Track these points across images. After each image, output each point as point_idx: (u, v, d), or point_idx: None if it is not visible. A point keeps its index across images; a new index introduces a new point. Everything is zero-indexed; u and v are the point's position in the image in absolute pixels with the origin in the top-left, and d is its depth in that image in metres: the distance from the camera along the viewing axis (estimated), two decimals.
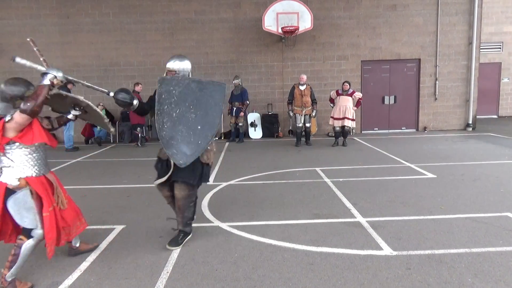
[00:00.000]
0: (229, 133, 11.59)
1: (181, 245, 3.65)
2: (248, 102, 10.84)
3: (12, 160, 2.88)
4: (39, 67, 3.18)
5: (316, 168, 7.00)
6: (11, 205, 2.88)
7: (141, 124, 10.63)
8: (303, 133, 9.88)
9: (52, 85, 2.96)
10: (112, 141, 11.40)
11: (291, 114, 9.89)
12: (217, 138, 11.80)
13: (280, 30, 10.96)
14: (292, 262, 3.30)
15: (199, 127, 3.40)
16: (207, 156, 3.64)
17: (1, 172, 2.90)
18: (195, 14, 11.74)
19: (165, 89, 3.39)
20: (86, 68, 11.76)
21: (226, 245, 3.69)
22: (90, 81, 11.73)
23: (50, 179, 3.12)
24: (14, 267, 2.89)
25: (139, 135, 10.51)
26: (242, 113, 10.74)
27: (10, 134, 2.81)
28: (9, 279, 2.89)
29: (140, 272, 3.17)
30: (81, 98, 3.38)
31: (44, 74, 2.99)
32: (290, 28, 10.82)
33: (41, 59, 3.31)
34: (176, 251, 3.54)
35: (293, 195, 5.33)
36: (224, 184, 6.04)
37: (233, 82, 10.85)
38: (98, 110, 3.46)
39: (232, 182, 6.17)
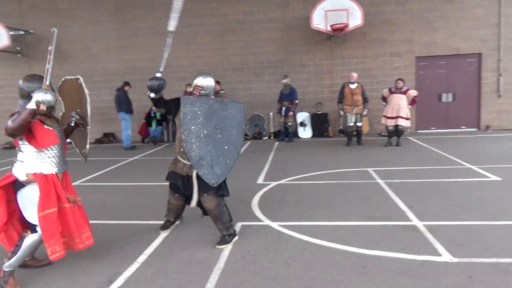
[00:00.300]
0: (278, 133, 11.61)
1: (230, 244, 3.72)
2: (297, 101, 10.78)
3: (23, 156, 2.96)
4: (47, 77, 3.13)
5: (368, 169, 6.81)
6: (20, 198, 2.97)
7: None
8: (354, 132, 9.65)
9: (36, 110, 2.82)
10: (166, 140, 11.84)
11: (341, 113, 9.70)
12: (266, 138, 11.86)
13: (329, 28, 10.78)
14: (344, 264, 3.24)
15: (226, 147, 3.53)
16: None
17: (15, 166, 3.00)
18: (244, 15, 11.88)
19: (189, 109, 3.47)
20: (141, 70, 12.31)
21: (276, 244, 3.70)
22: (145, 82, 12.30)
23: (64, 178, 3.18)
24: (13, 258, 2.91)
25: None
26: (291, 113, 10.71)
27: None
28: (6, 269, 2.91)
29: (193, 267, 3.27)
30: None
31: (32, 94, 2.87)
32: (340, 26, 10.61)
33: (47, 66, 3.17)
34: (227, 249, 3.61)
35: (344, 196, 5.23)
36: (274, 183, 6.05)
37: (282, 81, 10.84)
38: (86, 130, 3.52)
39: (281, 181, 6.17)
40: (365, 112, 9.54)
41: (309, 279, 3.01)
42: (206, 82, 3.78)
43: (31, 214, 2.94)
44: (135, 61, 12.36)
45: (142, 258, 3.49)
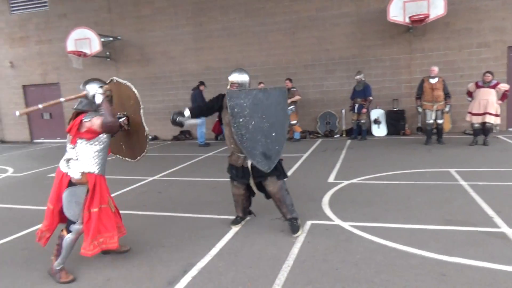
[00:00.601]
0: (350, 131, 11.29)
1: (302, 228, 3.97)
2: (371, 98, 10.37)
3: (79, 154, 3.10)
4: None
5: (450, 169, 6.33)
6: (66, 195, 3.06)
7: None
8: (434, 130, 9.02)
9: (105, 95, 3.16)
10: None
11: (420, 110, 9.13)
12: (338, 136, 11.60)
13: (407, 20, 10.18)
14: (420, 270, 3.06)
15: (273, 134, 3.70)
16: None
17: (68, 165, 3.09)
18: (316, 11, 11.72)
19: (236, 103, 3.60)
20: (216, 70, 12.79)
21: (347, 245, 3.61)
22: (219, 82, 12.73)
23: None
24: (60, 257, 3.13)
25: None
26: (364, 110, 10.33)
27: (83, 130, 3.07)
28: (57, 268, 3.14)
29: (262, 263, 3.32)
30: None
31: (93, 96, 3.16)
32: (419, 17, 9.97)
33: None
34: (296, 247, 3.61)
35: (422, 198, 4.92)
36: (346, 182, 5.90)
37: (355, 77, 10.51)
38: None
39: (353, 180, 5.99)
40: (447, 109, 8.87)
41: (381, 283, 2.89)
42: (241, 78, 3.91)
43: (72, 211, 3.08)
44: (210, 62, 12.86)
45: (214, 251, 3.63)
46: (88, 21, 13.70)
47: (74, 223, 3.13)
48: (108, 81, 3.50)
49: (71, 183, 3.08)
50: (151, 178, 6.97)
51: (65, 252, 3.13)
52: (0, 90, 15.68)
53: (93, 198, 3.13)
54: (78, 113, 3.17)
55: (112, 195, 5.77)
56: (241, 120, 3.61)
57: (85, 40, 12.69)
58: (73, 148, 3.12)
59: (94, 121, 3.03)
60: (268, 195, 4.08)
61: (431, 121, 8.90)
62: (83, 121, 3.05)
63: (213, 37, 12.74)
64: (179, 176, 7.11)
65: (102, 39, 12.93)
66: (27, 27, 14.80)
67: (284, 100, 3.85)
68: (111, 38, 13.48)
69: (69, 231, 3.13)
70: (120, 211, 4.94)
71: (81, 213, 3.10)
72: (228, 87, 3.96)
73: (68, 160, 3.10)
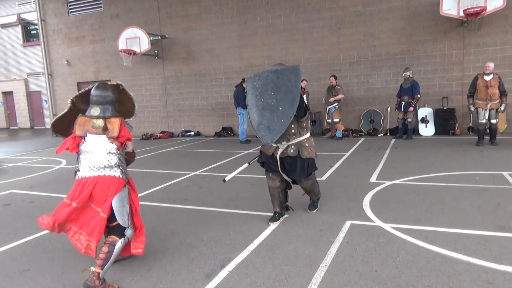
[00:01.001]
0: (395, 129, 10.92)
1: (318, 207, 4.59)
2: (419, 96, 9.96)
3: (121, 161, 3.15)
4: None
5: (503, 172, 5.95)
6: (116, 202, 3.01)
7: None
8: (487, 130, 8.50)
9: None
10: None
11: (472, 108, 8.64)
12: (382, 134, 11.26)
13: (461, 13, 9.67)
14: (466, 277, 2.91)
15: (280, 109, 3.79)
16: (308, 152, 4.12)
17: (119, 170, 3.09)
18: (364, 6, 11.41)
19: (251, 86, 3.94)
20: (259, 67, 12.83)
21: (387, 247, 3.50)
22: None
23: None
24: (107, 265, 2.90)
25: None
26: (411, 108, 9.94)
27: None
28: (103, 277, 2.88)
29: (299, 261, 3.31)
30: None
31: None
32: (475, 10, 9.42)
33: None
34: (334, 246, 3.56)
35: (471, 202, 4.66)
36: (388, 183, 5.72)
37: (403, 74, 10.13)
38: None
39: (397, 181, 5.80)
40: (502, 108, 8.32)
41: None
42: None
43: (124, 217, 3.06)
44: (253, 59, 12.94)
45: (252, 247, 3.66)
46: (139, 20, 14.28)
47: (124, 228, 3.07)
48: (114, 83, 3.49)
49: (124, 187, 3.13)
50: (193, 173, 7.15)
51: (113, 258, 2.98)
52: (57, 86, 16.76)
53: (135, 201, 3.25)
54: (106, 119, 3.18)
55: (156, 188, 6.04)
56: (253, 100, 3.90)
57: (135, 39, 13.24)
58: (118, 154, 3.13)
59: (130, 143, 3.29)
60: (294, 182, 4.41)
61: (484, 121, 8.39)
62: (125, 127, 3.21)
63: (258, 34, 12.79)
64: (220, 171, 7.23)
65: (151, 38, 13.42)
66: (82, 27, 15.69)
67: (295, 77, 3.79)
68: (159, 37, 13.95)
69: (122, 236, 3.04)
70: (163, 204, 5.15)
71: (129, 217, 3.12)
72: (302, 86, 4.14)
73: (118, 166, 3.10)
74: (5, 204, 5.66)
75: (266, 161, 4.23)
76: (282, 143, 4.05)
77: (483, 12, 9.47)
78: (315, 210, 4.51)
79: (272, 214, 4.36)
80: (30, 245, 3.99)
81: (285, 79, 3.80)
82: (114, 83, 3.46)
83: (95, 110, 3.15)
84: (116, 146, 3.12)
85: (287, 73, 3.82)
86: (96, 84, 3.30)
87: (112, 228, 3.08)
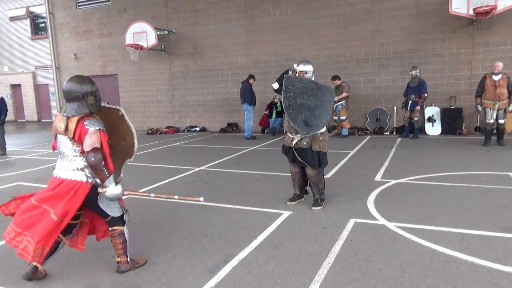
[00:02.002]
0: (402, 128, 10.86)
1: (321, 207, 4.58)
2: (426, 94, 9.89)
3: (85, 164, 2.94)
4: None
5: (510, 173, 5.90)
6: (101, 200, 2.98)
7: None
8: (495, 130, 8.42)
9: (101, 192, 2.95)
10: (284, 132, 12.13)
11: (480, 108, 8.56)
12: (387, 133, 11.20)
13: (471, 12, 9.55)
14: (470, 277, 2.89)
15: (317, 113, 4.33)
16: (319, 145, 4.45)
17: (85, 173, 2.93)
18: (372, 4, 11.32)
19: (290, 83, 4.34)
20: (265, 64, 12.82)
21: (391, 246, 3.49)
22: (268, 75, 12.71)
23: None
24: (127, 251, 3.14)
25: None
26: (418, 107, 9.88)
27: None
28: (129, 259, 3.17)
29: (303, 259, 3.31)
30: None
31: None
32: (485, 9, 9.31)
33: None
34: (338, 244, 3.56)
35: (476, 202, 4.63)
36: (393, 181, 5.70)
37: (410, 73, 10.07)
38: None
39: (402, 180, 5.77)
40: (510, 108, 8.23)
41: (426, 287, 2.78)
42: (307, 68, 4.54)
43: (115, 209, 3.05)
44: (260, 55, 12.91)
45: (255, 243, 3.67)
46: (146, 15, 14.29)
47: (119, 218, 3.11)
48: (113, 107, 3.31)
49: (95, 188, 2.96)
50: (198, 169, 7.17)
51: (128, 243, 3.17)
52: (64, 80, 16.64)
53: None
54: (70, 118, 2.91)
55: (160, 183, 6.07)
56: (291, 95, 4.30)
57: (142, 33, 13.25)
58: (82, 156, 2.92)
59: (91, 137, 2.83)
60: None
61: (492, 121, 8.32)
62: (85, 125, 2.86)
63: (265, 30, 12.75)
64: (224, 167, 7.25)
65: (158, 33, 13.42)
66: (90, 21, 15.73)
67: (330, 96, 4.47)
68: (166, 32, 13.95)
69: (123, 223, 3.13)
70: (168, 199, 5.16)
71: (120, 204, 3.11)
72: (296, 75, 4.58)
73: (82, 169, 2.93)
74: (12, 196, 5.71)
75: (285, 152, 4.72)
76: (297, 135, 4.46)
77: (493, 11, 9.36)
78: (318, 208, 4.56)
79: (277, 210, 4.38)
80: None
81: (323, 93, 4.38)
82: (114, 107, 3.27)
83: (63, 108, 3.00)
84: (78, 148, 2.91)
85: (325, 89, 4.42)
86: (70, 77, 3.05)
87: (110, 221, 3.11)
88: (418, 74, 9.94)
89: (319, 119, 4.33)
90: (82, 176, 2.92)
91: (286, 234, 3.87)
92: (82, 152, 2.89)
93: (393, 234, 3.75)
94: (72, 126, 2.86)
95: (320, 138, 4.47)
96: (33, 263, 2.91)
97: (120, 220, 3.12)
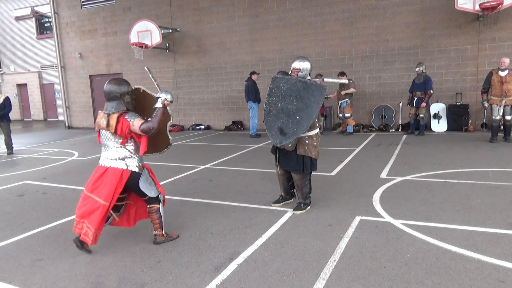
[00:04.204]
0: (407, 125, 10.80)
1: (304, 211, 4.37)
2: (432, 91, 9.82)
3: (131, 152, 3.49)
4: (156, 86, 3.77)
5: None
6: (142, 184, 3.52)
7: (323, 113, 11.00)
8: (501, 127, 8.35)
9: (164, 106, 3.45)
10: None
11: (486, 104, 8.49)
12: (393, 130, 11.15)
13: (477, 7, 9.48)
14: (476, 274, 2.88)
15: (297, 118, 4.01)
16: (304, 149, 4.20)
17: (125, 162, 3.45)
18: (377, 0, 11.25)
19: (275, 85, 4.11)
20: (269, 61, 12.79)
21: (397, 243, 3.48)
22: (272, 73, 12.74)
23: None
24: (163, 225, 3.68)
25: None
26: (424, 104, 9.82)
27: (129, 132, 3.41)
28: (164, 233, 3.72)
29: (308, 256, 3.31)
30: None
31: (157, 98, 3.47)
32: (492, 4, 9.23)
33: (156, 83, 3.78)
34: (343, 242, 3.55)
35: (483, 199, 4.60)
36: (399, 179, 5.68)
37: (416, 69, 10.00)
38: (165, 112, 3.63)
39: (408, 177, 5.75)
40: None
41: (433, 285, 2.76)
42: (302, 65, 4.24)
43: (152, 191, 3.60)
44: (264, 53, 12.88)
45: (261, 240, 3.67)
46: (150, 13, 14.31)
47: (155, 198, 3.63)
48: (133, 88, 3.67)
49: (137, 174, 3.50)
50: (203, 167, 7.19)
51: (164, 218, 3.69)
52: (70, 79, 16.94)
53: (154, 179, 3.73)
54: (111, 115, 3.41)
55: (166, 181, 6.09)
56: (274, 99, 4.10)
57: (146, 32, 13.28)
58: (123, 147, 3.46)
59: (135, 124, 3.34)
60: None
61: (498, 117, 8.26)
62: (126, 118, 3.35)
63: (269, 28, 12.72)
64: (229, 165, 7.25)
65: (162, 31, 13.43)
66: (95, 20, 15.79)
67: (320, 95, 4.05)
68: (170, 30, 13.96)
69: (158, 201, 3.64)
70: (173, 197, 5.19)
71: (156, 187, 3.65)
72: (290, 72, 4.31)
73: (122, 159, 3.45)
74: (19, 195, 5.77)
75: (273, 152, 4.51)
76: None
77: (500, 6, 9.27)
78: (299, 212, 4.34)
79: (282, 208, 4.38)
80: (43, 235, 4.06)
81: (310, 93, 4.02)
82: (134, 88, 3.65)
83: (105, 106, 3.48)
84: (120, 141, 3.43)
85: (314, 88, 4.04)
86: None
87: (148, 200, 3.61)
88: (424, 71, 9.88)
89: (297, 125, 4.01)
90: (123, 165, 3.45)
91: (292, 231, 3.87)
92: (123, 143, 3.44)
93: (399, 232, 3.74)
94: (113, 122, 3.36)
95: (307, 141, 4.21)
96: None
97: (156, 199, 3.62)
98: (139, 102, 3.64)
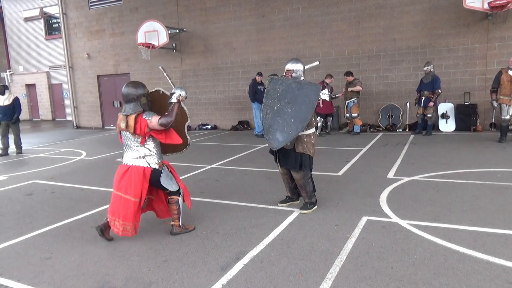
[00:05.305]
0: (415, 125, 10.73)
1: (311, 210, 4.38)
2: (440, 90, 9.74)
3: (150, 150, 3.68)
4: (171, 84, 3.96)
5: None
6: (163, 180, 3.73)
7: (331, 113, 10.97)
8: (511, 127, 8.27)
9: (179, 101, 3.63)
10: None
11: (495, 104, 8.40)
12: (400, 130, 11.08)
13: (486, 6, 9.38)
14: (485, 276, 2.85)
15: (292, 120, 4.03)
16: (302, 147, 4.23)
17: (146, 160, 3.65)
18: None
19: (272, 87, 4.14)
20: (276, 61, 12.77)
21: (404, 244, 3.46)
22: (279, 73, 12.68)
23: None
24: (180, 216, 3.87)
25: (319, 124, 10.82)
26: (431, 103, 9.74)
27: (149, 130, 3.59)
28: (182, 223, 3.92)
29: (315, 256, 3.30)
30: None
31: (172, 93, 3.66)
32: (501, 2, 9.12)
33: (170, 81, 3.99)
34: (350, 242, 3.54)
35: (492, 200, 4.56)
36: (406, 179, 5.64)
37: (424, 69, 9.92)
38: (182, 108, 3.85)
39: (415, 177, 5.71)
40: None
41: (440, 286, 2.74)
42: (295, 66, 4.30)
43: (173, 185, 3.82)
44: (271, 52, 12.87)
45: (267, 240, 3.67)
46: (157, 14, 14.37)
47: (177, 191, 3.85)
48: (153, 90, 3.89)
49: (158, 171, 3.71)
50: (209, 166, 7.20)
51: (181, 209, 3.89)
52: (78, 79, 17.07)
53: (175, 174, 3.95)
54: (129, 116, 3.60)
55: None
56: (270, 101, 4.14)
57: (153, 32, 13.33)
58: (143, 146, 3.65)
59: (153, 121, 3.54)
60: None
61: (508, 117, 8.16)
62: (144, 117, 3.54)
63: (275, 27, 12.71)
64: (236, 165, 7.26)
65: (169, 31, 13.48)
66: (103, 21, 15.89)
67: (315, 96, 4.07)
68: (177, 30, 14.01)
69: (179, 193, 3.86)
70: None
71: (176, 181, 3.87)
72: (284, 74, 4.35)
73: (143, 157, 3.66)
74: (28, 194, 5.83)
75: (272, 152, 4.52)
76: None
77: (509, 4, 9.16)
78: (306, 211, 4.36)
79: (288, 208, 4.38)
80: (51, 234, 4.10)
81: (304, 94, 4.05)
82: (153, 90, 3.88)
83: (123, 108, 3.66)
84: (139, 140, 3.62)
85: (308, 90, 4.07)
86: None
87: (169, 192, 3.83)
88: (432, 70, 9.80)
89: (292, 127, 4.03)
90: (144, 163, 3.66)
91: (298, 231, 3.86)
92: (142, 142, 3.63)
93: (406, 232, 3.72)
94: (131, 122, 3.55)
95: (305, 139, 4.24)
96: (107, 219, 3.74)
97: (177, 192, 3.84)
98: (159, 103, 3.80)
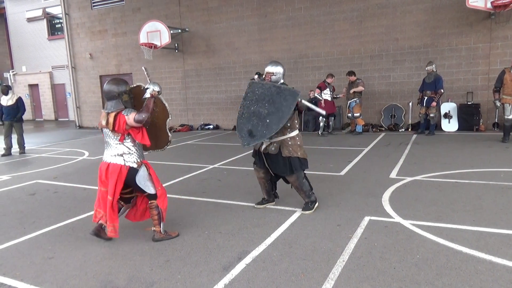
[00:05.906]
0: (417, 125, 10.70)
1: (312, 210, 4.38)
2: (442, 90, 9.71)
3: (129, 148, 3.62)
4: (148, 80, 3.86)
5: None
6: (139, 180, 3.63)
7: (333, 113, 10.96)
8: None
9: (152, 96, 3.61)
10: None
11: (498, 104, 8.37)
12: (403, 130, 11.05)
13: (489, 5, 9.35)
14: (487, 276, 2.84)
15: (267, 121, 4.07)
16: (288, 151, 4.21)
17: (123, 158, 3.59)
18: None
19: (251, 90, 4.21)
20: (278, 61, 12.73)
21: (407, 244, 3.45)
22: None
23: None
24: (162, 222, 3.74)
25: (321, 124, 10.81)
26: (434, 103, 9.72)
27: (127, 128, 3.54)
28: (164, 230, 3.77)
29: (317, 256, 3.30)
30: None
31: (145, 89, 3.64)
32: (504, 1, 9.09)
33: (148, 78, 3.90)
34: (352, 242, 3.53)
35: (495, 200, 4.54)
36: (409, 179, 5.63)
37: (426, 68, 9.90)
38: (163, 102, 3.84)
39: (417, 177, 5.69)
40: None
41: (443, 286, 2.73)
42: (275, 69, 4.33)
43: (151, 187, 3.68)
44: (273, 52, 12.87)
45: (269, 240, 3.67)
46: (159, 14, 14.39)
47: (153, 194, 3.71)
48: (134, 86, 3.84)
49: (134, 170, 3.62)
50: (211, 166, 7.21)
51: (163, 215, 3.75)
52: (80, 79, 17.12)
53: (154, 177, 3.77)
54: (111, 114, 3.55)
55: (175, 180, 6.12)
56: (247, 102, 4.19)
57: (156, 32, 13.35)
58: (122, 144, 3.60)
59: (130, 118, 3.50)
60: (286, 181, 4.56)
61: (511, 117, 8.13)
62: (123, 114, 3.50)
63: (277, 27, 12.71)
64: (238, 165, 7.27)
65: (171, 31, 13.50)
66: (105, 21, 15.92)
67: (292, 100, 4.04)
68: (179, 30, 14.03)
69: (155, 198, 3.71)
70: (182, 197, 5.22)
71: (153, 184, 3.70)
72: (264, 76, 4.42)
73: (121, 155, 3.60)
74: (31, 193, 5.85)
75: (254, 155, 4.55)
76: (266, 140, 4.22)
77: None
78: (308, 212, 4.34)
79: (290, 208, 4.36)
80: (54, 234, 4.11)
81: (283, 98, 4.06)
82: (135, 85, 3.82)
83: (105, 106, 3.64)
84: (118, 137, 3.59)
85: (287, 93, 4.06)
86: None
87: (148, 195, 3.73)
88: (434, 70, 9.77)
89: (267, 127, 4.06)
90: (121, 161, 3.59)
91: (300, 231, 3.86)
92: (121, 140, 3.58)
93: (409, 232, 3.71)
94: (111, 120, 3.51)
95: (290, 142, 4.23)
96: (100, 221, 3.70)
97: (154, 196, 3.71)
98: (141, 99, 3.73)
